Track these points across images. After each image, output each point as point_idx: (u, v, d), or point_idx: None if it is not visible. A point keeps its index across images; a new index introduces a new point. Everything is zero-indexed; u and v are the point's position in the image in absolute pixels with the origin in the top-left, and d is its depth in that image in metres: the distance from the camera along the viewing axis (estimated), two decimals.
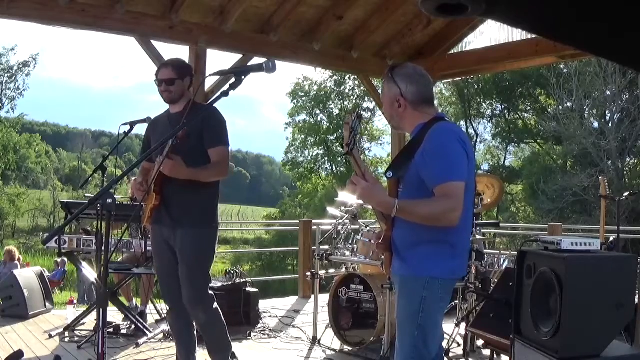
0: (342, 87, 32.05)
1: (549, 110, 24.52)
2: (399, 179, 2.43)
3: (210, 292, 3.48)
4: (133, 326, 4.91)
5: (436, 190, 2.30)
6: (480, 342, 4.33)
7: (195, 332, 3.57)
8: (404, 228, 2.40)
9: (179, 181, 3.26)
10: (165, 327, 4.92)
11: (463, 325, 4.37)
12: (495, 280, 4.37)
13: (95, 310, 3.11)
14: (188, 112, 3.26)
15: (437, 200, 2.29)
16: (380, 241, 2.51)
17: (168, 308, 3.61)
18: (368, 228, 4.76)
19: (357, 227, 4.93)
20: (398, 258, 2.46)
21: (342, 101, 32.50)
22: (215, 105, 3.24)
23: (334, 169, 33.53)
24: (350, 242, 4.86)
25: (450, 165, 2.32)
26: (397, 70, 2.50)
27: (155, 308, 5.41)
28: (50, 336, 4.73)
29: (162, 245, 3.45)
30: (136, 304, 5.53)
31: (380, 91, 2.67)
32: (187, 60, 5.77)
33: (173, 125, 3.30)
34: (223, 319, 3.53)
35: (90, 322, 4.95)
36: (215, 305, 3.48)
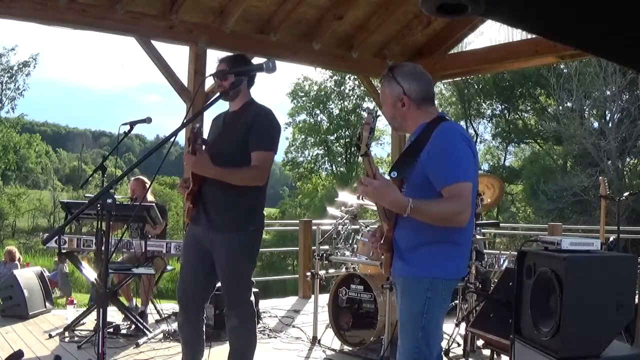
0: (342, 87, 32.05)
1: (549, 110, 24.53)
2: (402, 179, 2.42)
3: (252, 299, 3.32)
4: (133, 326, 4.91)
5: (445, 191, 2.29)
6: (480, 342, 4.33)
7: (204, 338, 3.45)
8: (406, 229, 2.39)
9: (216, 180, 3.15)
10: (165, 327, 4.92)
11: (463, 325, 4.38)
12: (495, 280, 4.37)
13: (95, 310, 3.10)
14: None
15: (448, 201, 2.28)
16: (381, 242, 2.49)
17: (178, 309, 3.51)
18: (368, 228, 4.76)
19: (357, 227, 4.93)
20: (400, 259, 2.44)
21: (342, 101, 32.49)
22: (270, 108, 3.17)
23: (334, 169, 33.52)
24: (350, 242, 4.86)
25: (458, 166, 2.32)
26: (397, 69, 2.49)
27: (155, 308, 5.41)
28: (50, 336, 4.73)
29: (193, 244, 3.34)
30: (136, 304, 5.53)
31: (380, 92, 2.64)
32: (187, 60, 5.82)
33: (226, 124, 3.24)
34: (256, 337, 3.41)
35: (90, 322, 4.95)
36: (254, 319, 3.36)
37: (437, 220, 2.31)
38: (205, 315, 3.48)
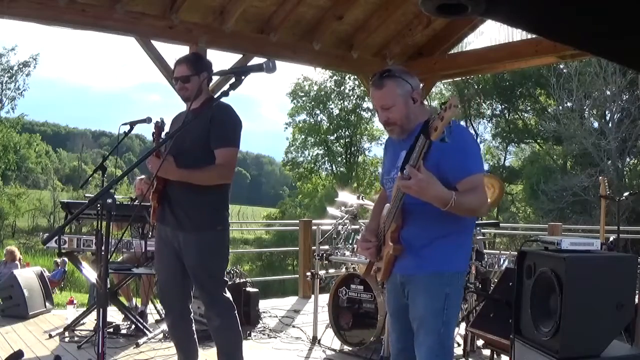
0: (342, 87, 32.05)
1: (549, 110, 24.55)
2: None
3: (228, 295, 3.30)
4: (133, 326, 4.91)
5: (463, 182, 2.31)
6: (480, 342, 4.33)
7: (195, 339, 3.43)
8: (417, 226, 2.39)
9: (181, 181, 3.13)
10: (165, 327, 4.92)
11: (463, 325, 4.38)
12: (495, 280, 4.37)
13: (95, 310, 3.10)
14: (198, 109, 3.13)
15: (473, 192, 2.31)
16: (395, 244, 2.43)
17: (164, 313, 3.47)
18: None
19: (357, 227, 4.93)
20: (414, 256, 2.42)
21: (342, 101, 32.50)
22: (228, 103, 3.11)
23: (334, 169, 33.53)
24: (350, 242, 4.86)
25: (473, 158, 2.40)
26: (395, 70, 2.51)
27: (155, 308, 5.41)
28: (50, 336, 4.73)
29: (163, 245, 3.32)
30: (136, 304, 5.53)
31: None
32: None
33: (186, 123, 3.20)
34: (240, 330, 3.36)
35: (90, 322, 4.95)
36: (234, 313, 3.32)
37: (469, 212, 2.36)
38: (192, 314, 3.45)
